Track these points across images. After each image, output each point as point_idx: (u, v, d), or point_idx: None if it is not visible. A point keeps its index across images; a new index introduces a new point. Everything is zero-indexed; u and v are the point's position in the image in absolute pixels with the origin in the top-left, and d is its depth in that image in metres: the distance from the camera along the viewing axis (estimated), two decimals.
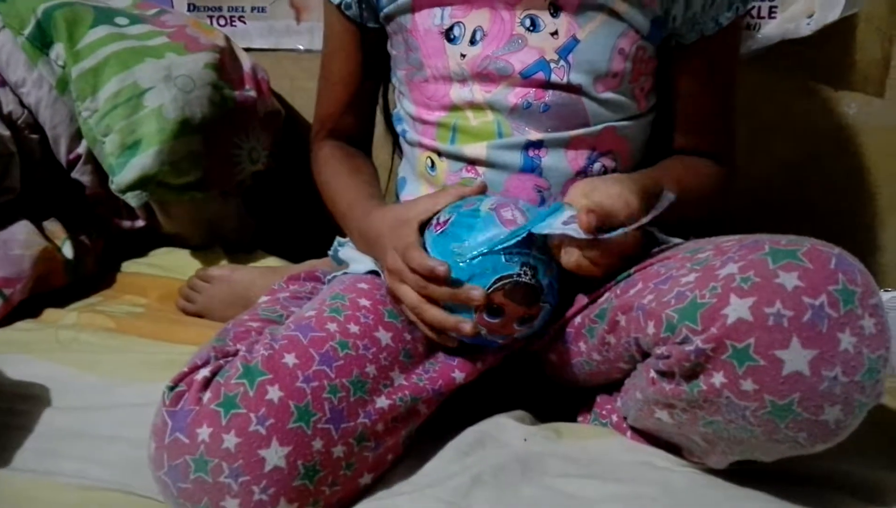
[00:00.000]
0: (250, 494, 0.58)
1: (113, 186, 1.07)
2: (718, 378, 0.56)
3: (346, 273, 0.80)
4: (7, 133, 1.06)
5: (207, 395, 0.60)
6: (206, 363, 0.63)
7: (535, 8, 0.74)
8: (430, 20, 0.77)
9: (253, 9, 1.26)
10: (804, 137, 1.10)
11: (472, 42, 0.76)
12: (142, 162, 1.04)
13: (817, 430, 0.54)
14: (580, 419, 0.77)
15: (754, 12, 1.05)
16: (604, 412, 0.75)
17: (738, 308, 0.55)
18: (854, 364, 0.53)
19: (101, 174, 1.12)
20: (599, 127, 0.76)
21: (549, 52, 0.74)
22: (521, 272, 0.66)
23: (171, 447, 0.59)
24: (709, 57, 0.78)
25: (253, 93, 1.17)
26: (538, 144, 0.76)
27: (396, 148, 0.91)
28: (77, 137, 1.11)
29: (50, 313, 1.01)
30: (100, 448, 0.72)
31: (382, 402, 0.65)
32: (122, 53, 1.08)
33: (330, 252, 0.88)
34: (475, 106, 0.77)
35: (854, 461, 0.67)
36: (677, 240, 0.72)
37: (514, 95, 0.75)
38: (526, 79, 0.75)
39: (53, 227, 1.10)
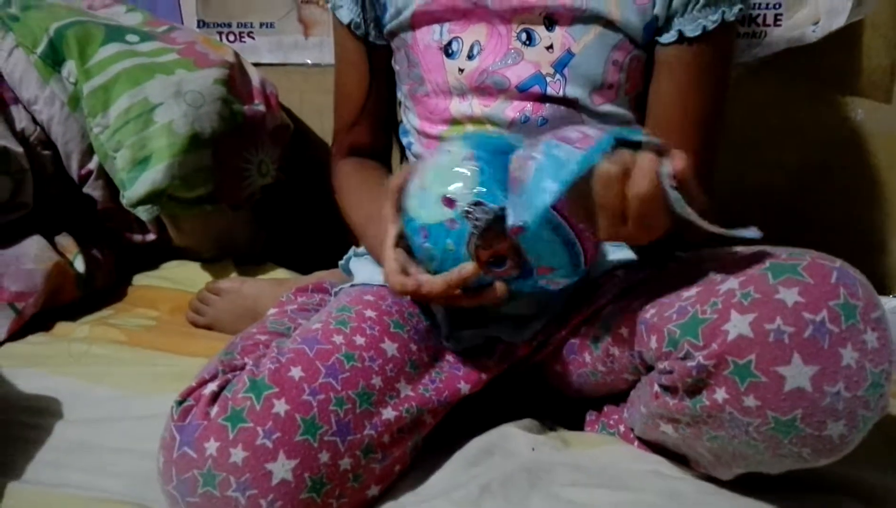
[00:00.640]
0: (258, 507, 0.58)
1: (124, 201, 1.08)
2: (721, 394, 0.56)
3: (352, 285, 0.80)
4: (20, 150, 1.07)
5: (215, 409, 0.60)
6: (213, 377, 0.64)
7: (531, 22, 0.75)
8: (429, 36, 0.78)
9: (262, 24, 1.27)
10: (810, 143, 1.10)
11: (470, 56, 0.77)
12: (152, 176, 1.05)
13: (821, 445, 0.54)
14: (588, 428, 0.77)
15: (759, 20, 1.05)
16: (611, 422, 0.76)
17: (738, 324, 0.55)
18: (857, 380, 0.53)
19: (112, 189, 1.13)
20: None
21: (544, 66, 0.75)
22: (475, 217, 0.62)
23: (180, 461, 0.59)
24: (691, 61, 0.74)
25: (262, 107, 1.18)
26: None
27: (404, 160, 0.92)
28: (89, 152, 1.13)
29: (62, 327, 1.02)
30: (110, 460, 0.73)
31: (389, 413, 0.65)
32: (132, 70, 1.09)
33: (341, 262, 0.88)
34: (475, 120, 0.78)
35: (863, 468, 0.67)
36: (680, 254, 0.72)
37: (511, 109, 0.76)
38: (523, 92, 0.75)
39: (65, 241, 1.11)
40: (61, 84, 1.10)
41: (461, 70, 0.77)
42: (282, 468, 0.58)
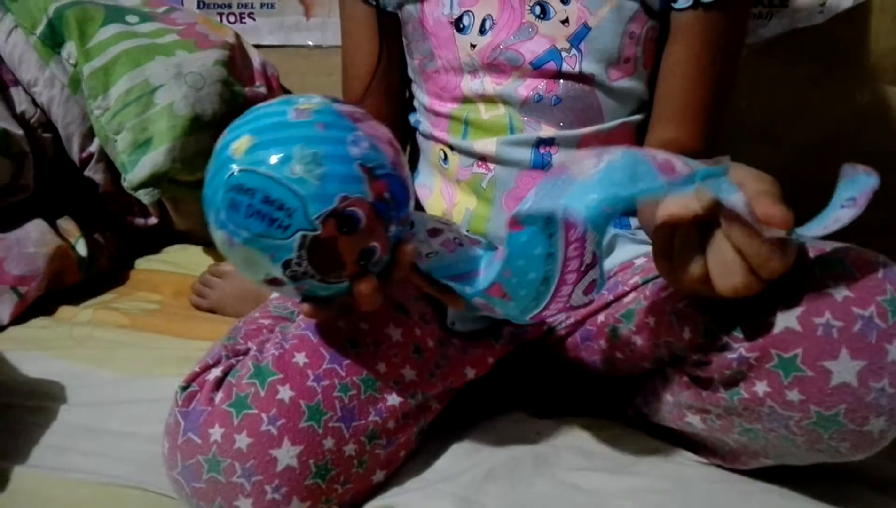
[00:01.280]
0: (263, 493, 0.58)
1: (125, 184, 1.07)
2: (762, 387, 0.55)
3: None
4: (20, 132, 1.06)
5: (219, 395, 0.60)
6: (217, 362, 0.64)
7: None
8: (438, 10, 0.76)
9: (262, 5, 1.26)
10: (816, 126, 1.09)
11: (482, 31, 0.75)
12: (153, 159, 1.05)
13: (860, 440, 0.54)
14: (593, 412, 0.77)
15: (766, 0, 1.04)
16: (619, 406, 0.75)
17: (785, 317, 0.54)
18: None
19: (113, 172, 1.13)
20: (614, 123, 0.75)
21: (560, 41, 0.73)
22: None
23: (184, 447, 0.59)
24: (705, 27, 0.72)
25: (263, 89, 1.17)
26: (549, 142, 0.75)
27: (411, 138, 0.91)
28: (89, 135, 1.12)
29: (65, 311, 1.01)
30: (114, 444, 0.73)
31: (393, 399, 0.65)
32: (132, 51, 1.08)
33: None
34: (486, 98, 0.76)
35: (876, 455, 0.67)
36: None
37: (524, 88, 0.74)
38: (537, 69, 0.74)
39: (67, 225, 1.10)
40: (61, 66, 1.09)
41: (473, 46, 0.75)
42: (286, 454, 0.58)
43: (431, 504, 0.63)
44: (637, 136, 0.77)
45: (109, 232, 1.16)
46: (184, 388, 0.62)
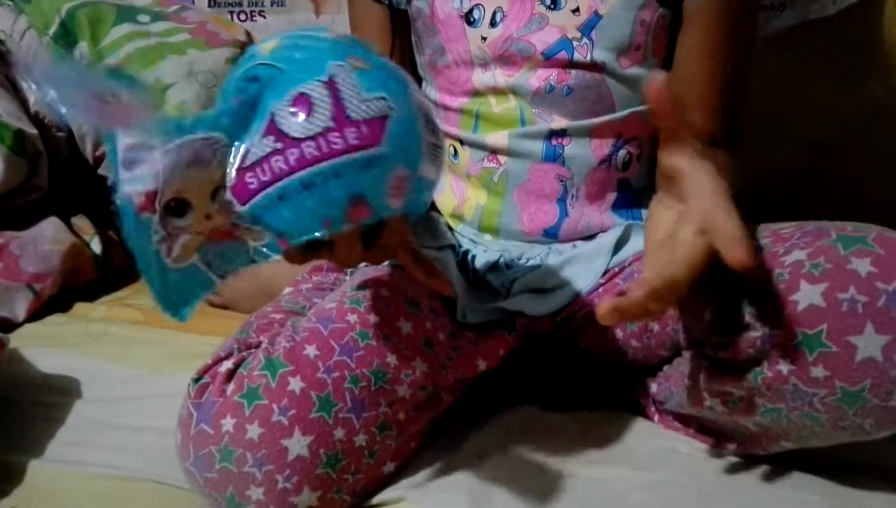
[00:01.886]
0: (274, 483, 0.58)
1: None
2: (786, 366, 0.55)
3: (367, 264, 0.80)
4: (35, 132, 1.07)
5: (231, 387, 0.61)
6: (229, 354, 0.64)
7: None
8: (448, 4, 0.76)
9: (273, 3, 1.26)
10: (827, 119, 1.08)
11: (493, 24, 0.75)
12: None
13: (885, 416, 0.54)
14: (606, 405, 0.77)
15: None
16: (632, 399, 0.75)
17: (809, 294, 0.54)
18: None
19: None
20: (625, 112, 0.75)
21: (570, 30, 0.73)
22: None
23: (197, 438, 0.60)
24: (719, 9, 0.72)
25: None
26: (561, 133, 0.75)
27: None
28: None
29: (80, 308, 1.02)
30: (130, 439, 0.73)
31: (404, 391, 0.65)
32: (144, 50, 1.09)
33: None
34: (497, 91, 0.76)
35: (886, 446, 0.66)
36: None
37: (536, 78, 0.74)
38: (548, 60, 0.74)
39: (81, 223, 1.11)
40: None
41: (484, 38, 0.75)
42: (297, 444, 0.59)
43: (442, 497, 0.63)
44: (650, 124, 0.77)
45: None
46: (196, 380, 0.63)
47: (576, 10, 0.73)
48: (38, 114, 1.10)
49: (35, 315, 0.98)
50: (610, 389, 0.78)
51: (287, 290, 0.84)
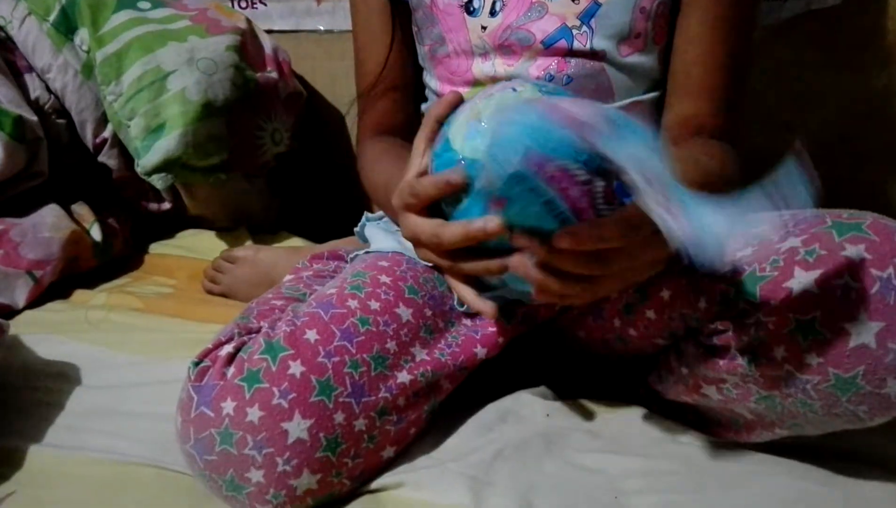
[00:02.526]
0: (274, 465, 0.59)
1: (139, 169, 1.08)
2: (779, 352, 0.55)
3: (367, 252, 0.80)
4: (34, 119, 1.07)
5: (231, 370, 0.61)
6: (230, 339, 0.64)
7: None
8: None
9: None
10: (832, 109, 1.08)
11: (493, 13, 0.75)
12: (166, 145, 1.06)
13: (878, 403, 0.54)
14: (604, 394, 0.77)
15: None
16: (630, 387, 0.75)
17: (803, 281, 0.54)
18: None
19: (127, 158, 1.13)
20: (625, 102, 0.75)
21: (570, 19, 0.73)
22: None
23: (197, 420, 0.60)
24: (717, 1, 0.72)
25: (275, 74, 1.17)
26: None
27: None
28: (103, 121, 1.13)
29: (80, 295, 1.02)
30: (129, 424, 0.74)
31: (404, 377, 0.65)
32: (144, 37, 1.09)
33: (356, 229, 0.88)
34: (497, 80, 0.75)
35: (882, 435, 0.66)
36: None
37: (535, 68, 0.74)
38: (548, 48, 0.74)
39: (81, 210, 1.11)
40: (74, 52, 1.10)
41: (484, 28, 0.75)
42: (297, 427, 0.59)
43: (441, 483, 0.63)
44: (651, 115, 0.77)
45: (123, 217, 1.17)
46: (196, 363, 0.63)
47: None
48: (38, 100, 1.10)
49: (35, 302, 0.98)
50: (607, 378, 0.78)
51: (287, 277, 0.84)
